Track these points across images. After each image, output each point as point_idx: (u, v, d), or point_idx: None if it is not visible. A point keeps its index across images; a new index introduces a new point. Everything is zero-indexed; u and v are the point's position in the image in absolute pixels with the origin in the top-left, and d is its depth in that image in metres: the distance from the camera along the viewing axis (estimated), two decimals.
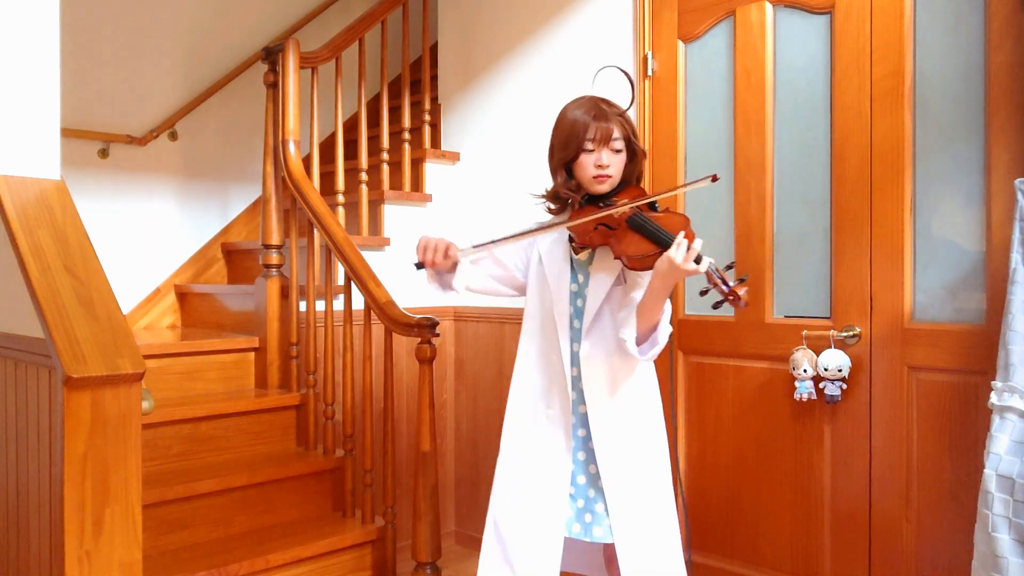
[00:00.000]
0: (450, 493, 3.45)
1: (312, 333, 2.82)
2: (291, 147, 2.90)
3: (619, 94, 2.04)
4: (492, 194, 3.34)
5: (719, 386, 2.63)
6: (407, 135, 3.42)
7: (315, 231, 2.84)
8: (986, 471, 1.80)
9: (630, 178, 1.93)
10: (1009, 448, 1.79)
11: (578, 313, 1.92)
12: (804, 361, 2.34)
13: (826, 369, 2.30)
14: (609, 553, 1.95)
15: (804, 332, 2.39)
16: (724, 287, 1.72)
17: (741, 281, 1.73)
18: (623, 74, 2.07)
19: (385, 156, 3.35)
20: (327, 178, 3.58)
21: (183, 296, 3.62)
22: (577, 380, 1.91)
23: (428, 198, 3.45)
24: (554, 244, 1.96)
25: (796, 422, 2.45)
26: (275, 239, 2.97)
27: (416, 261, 1.88)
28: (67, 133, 3.21)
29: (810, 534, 2.43)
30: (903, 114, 2.24)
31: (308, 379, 2.86)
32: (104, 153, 3.48)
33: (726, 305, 2.61)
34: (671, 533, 1.92)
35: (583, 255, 1.92)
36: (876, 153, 2.29)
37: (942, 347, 2.17)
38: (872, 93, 2.29)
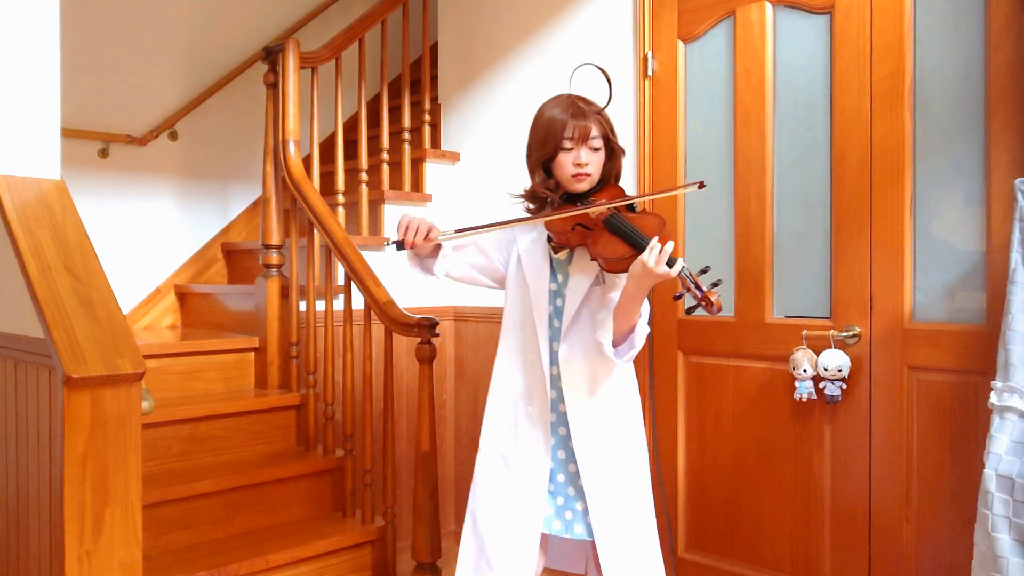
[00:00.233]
0: (450, 493, 3.45)
1: (312, 333, 2.82)
2: (291, 147, 2.90)
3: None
4: (492, 194, 3.34)
5: (719, 386, 2.63)
6: (407, 135, 3.42)
7: (315, 231, 2.84)
8: (986, 471, 1.80)
9: (608, 176, 1.93)
10: (1009, 448, 1.79)
11: (557, 312, 1.92)
12: (804, 361, 2.34)
13: (826, 369, 2.30)
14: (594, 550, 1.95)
15: (804, 332, 2.39)
16: (697, 292, 1.70)
17: (715, 285, 1.71)
18: (601, 72, 2.06)
19: (385, 156, 3.35)
20: (327, 178, 3.58)
21: (183, 296, 3.62)
22: (557, 379, 1.91)
23: (428, 198, 3.45)
24: (533, 244, 1.96)
25: (796, 422, 2.45)
26: (275, 239, 2.97)
27: (396, 239, 1.87)
28: (67, 133, 3.21)
29: (810, 534, 2.43)
30: (903, 114, 2.24)
31: (308, 379, 2.86)
32: (104, 153, 3.48)
33: (724, 304, 2.62)
34: (650, 531, 1.93)
35: (562, 254, 1.92)
36: (876, 153, 2.29)
37: (942, 347, 2.17)
38: (872, 93, 2.29)
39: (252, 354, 3.01)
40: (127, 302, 3.49)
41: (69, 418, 1.56)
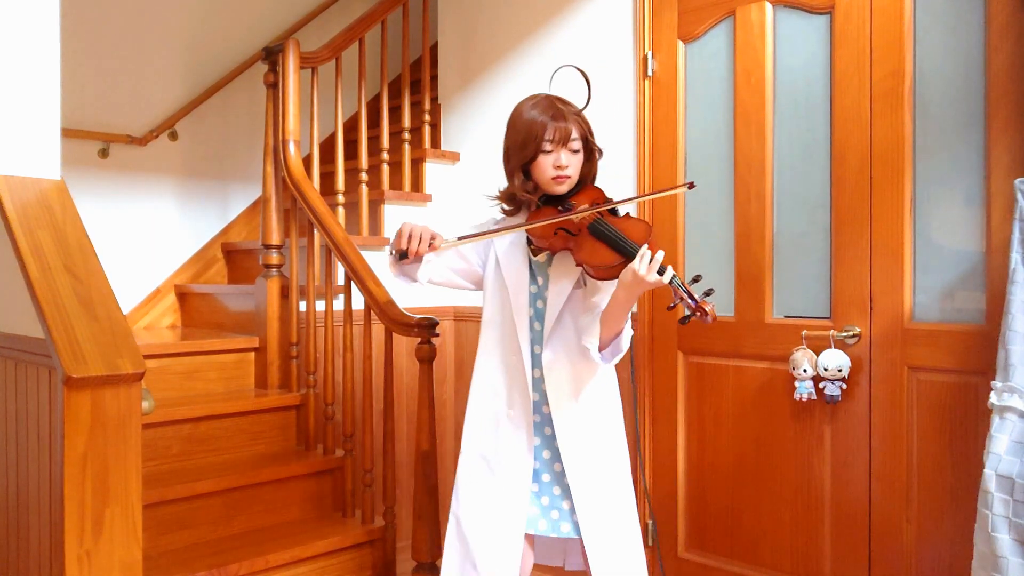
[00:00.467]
0: (450, 493, 3.44)
1: (312, 333, 2.82)
2: (291, 147, 2.90)
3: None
4: (492, 194, 3.33)
5: (719, 386, 2.63)
6: (407, 135, 3.42)
7: (315, 231, 2.84)
8: (986, 471, 1.80)
9: (587, 177, 1.92)
10: (1009, 448, 1.79)
11: (538, 315, 1.91)
12: (804, 361, 2.34)
13: (826, 369, 2.30)
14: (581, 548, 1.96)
15: (804, 332, 2.39)
16: (691, 301, 1.68)
17: (707, 294, 1.70)
18: (580, 74, 2.04)
19: (385, 156, 3.35)
20: (327, 178, 3.58)
21: (183, 296, 3.62)
22: (540, 381, 1.90)
23: (428, 198, 3.45)
24: (512, 246, 1.94)
25: (796, 422, 2.45)
26: (275, 239, 2.97)
27: (399, 248, 1.83)
28: (67, 133, 3.20)
29: (810, 534, 2.43)
30: (903, 114, 2.24)
31: (308, 379, 2.86)
32: (104, 153, 3.48)
33: (724, 304, 2.62)
34: (634, 527, 1.94)
35: (541, 257, 1.91)
36: (876, 153, 2.29)
37: (942, 347, 2.17)
38: (872, 93, 2.29)
39: (252, 354, 3.01)
40: (127, 302, 3.49)
41: (69, 418, 1.56)
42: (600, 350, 1.80)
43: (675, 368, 2.73)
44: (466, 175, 3.47)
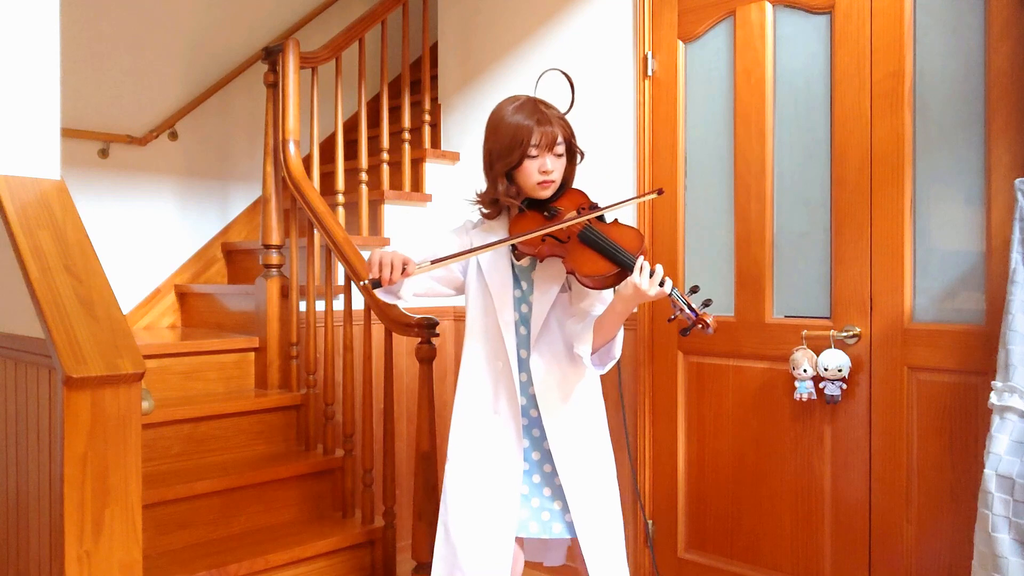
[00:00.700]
0: None
1: (312, 333, 2.82)
2: (291, 147, 2.90)
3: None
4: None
5: (719, 386, 2.63)
6: (407, 135, 3.42)
7: (315, 231, 2.84)
8: (986, 471, 1.80)
9: (569, 180, 1.91)
10: (1009, 448, 1.79)
11: (523, 319, 1.90)
12: (804, 361, 2.34)
13: (826, 369, 2.30)
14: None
15: (804, 332, 2.39)
16: (691, 313, 1.68)
17: (706, 305, 1.69)
18: (564, 77, 2.02)
19: (385, 156, 3.35)
20: (327, 178, 3.58)
21: (183, 296, 3.62)
22: (527, 385, 1.90)
23: (428, 198, 3.45)
24: (494, 251, 1.92)
25: (796, 422, 2.45)
26: (275, 239, 2.97)
27: (370, 278, 1.76)
28: (67, 133, 3.21)
29: (810, 534, 2.43)
30: (903, 115, 2.24)
31: (308, 379, 2.86)
32: (104, 153, 3.48)
33: (724, 304, 2.62)
34: (619, 525, 1.95)
35: (524, 261, 1.90)
36: (876, 153, 2.29)
37: (942, 347, 2.17)
38: (872, 93, 2.29)
39: (252, 354, 3.01)
40: (127, 302, 3.49)
41: (69, 418, 1.56)
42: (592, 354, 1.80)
43: (675, 368, 2.73)
44: (466, 175, 3.48)
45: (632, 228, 1.80)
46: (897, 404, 2.25)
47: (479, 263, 1.94)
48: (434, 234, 2.09)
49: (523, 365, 1.90)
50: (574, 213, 1.82)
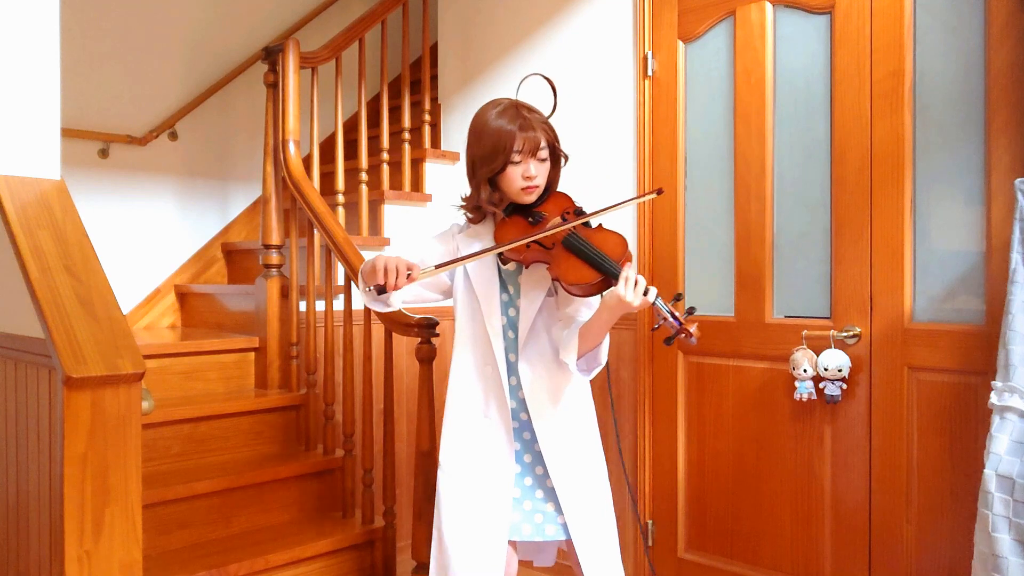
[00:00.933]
0: None
1: (312, 333, 2.82)
2: (291, 147, 2.90)
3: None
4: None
5: (719, 386, 2.63)
6: (407, 135, 3.42)
7: (315, 231, 2.84)
8: (986, 471, 1.80)
9: (552, 183, 1.90)
10: (1009, 448, 1.79)
11: (511, 324, 1.90)
12: (804, 361, 2.34)
13: (826, 369, 2.30)
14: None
15: (804, 332, 2.39)
16: (675, 322, 1.67)
17: (690, 313, 1.69)
18: (547, 82, 2.00)
19: (385, 156, 3.35)
20: (327, 178, 3.58)
21: (183, 296, 3.62)
22: (516, 389, 1.90)
23: (428, 198, 3.45)
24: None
25: (796, 422, 2.45)
26: (275, 239, 2.97)
27: (377, 284, 1.75)
28: (67, 133, 3.21)
29: (810, 534, 2.43)
30: (903, 114, 2.24)
31: (308, 379, 2.86)
32: (104, 153, 3.48)
33: (724, 304, 2.62)
34: (612, 525, 1.95)
35: (511, 266, 1.89)
36: (876, 153, 2.29)
37: (942, 347, 2.17)
38: (872, 93, 2.29)
39: (252, 354, 3.01)
40: (127, 302, 3.49)
41: (69, 418, 1.56)
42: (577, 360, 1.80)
43: (675, 368, 2.73)
44: (466, 175, 3.47)
45: (615, 234, 1.79)
46: (897, 404, 2.25)
47: (466, 268, 1.93)
48: (421, 240, 2.08)
49: (512, 369, 1.90)
50: (558, 219, 1.81)
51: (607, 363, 1.87)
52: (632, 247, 2.84)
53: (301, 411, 2.88)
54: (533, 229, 1.81)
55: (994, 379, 1.87)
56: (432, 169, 3.48)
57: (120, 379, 1.62)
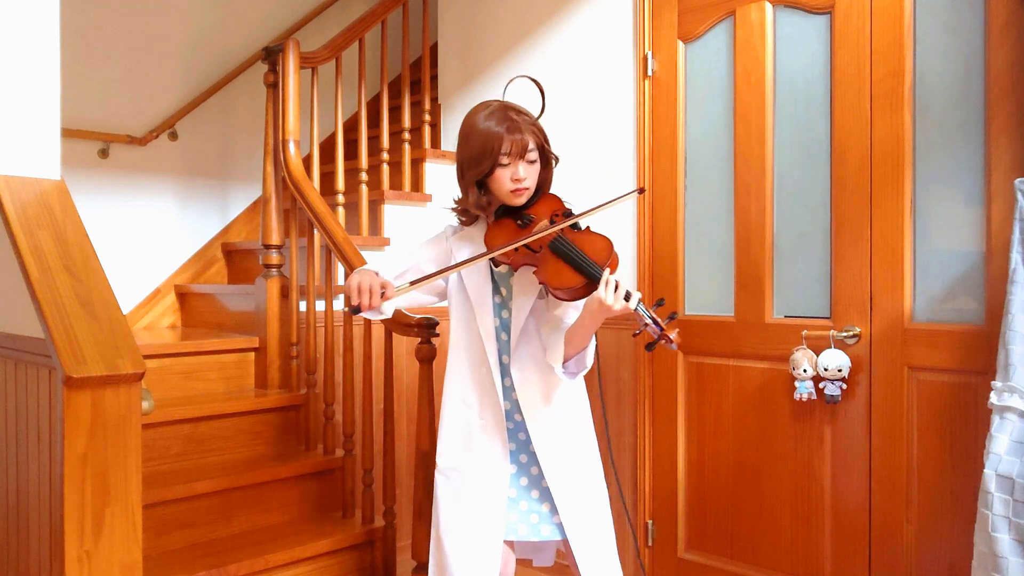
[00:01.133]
0: None
1: (312, 333, 2.82)
2: (291, 147, 2.90)
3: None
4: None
5: (719, 386, 2.63)
6: (407, 135, 3.42)
7: (315, 231, 2.84)
8: (986, 471, 1.80)
9: (544, 184, 1.89)
10: (1009, 448, 1.79)
11: (504, 325, 1.90)
12: (804, 361, 2.34)
13: (826, 369, 2.30)
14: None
15: (804, 332, 2.39)
16: (656, 328, 1.67)
17: (671, 319, 1.69)
18: (534, 84, 1.99)
19: (385, 156, 3.35)
20: (327, 178, 3.58)
21: (183, 296, 3.62)
22: (510, 390, 1.90)
23: (428, 198, 3.45)
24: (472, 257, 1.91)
25: (796, 422, 2.45)
26: (275, 239, 2.97)
27: (352, 305, 1.75)
28: (67, 133, 3.21)
29: (810, 534, 2.43)
30: (903, 114, 2.24)
31: (308, 379, 2.86)
32: (104, 153, 3.48)
33: (724, 304, 2.63)
34: (610, 526, 1.95)
35: (503, 268, 1.89)
36: (876, 153, 2.29)
37: (942, 347, 2.17)
38: (872, 93, 2.29)
39: (252, 354, 3.01)
40: (127, 302, 3.49)
41: (69, 418, 1.56)
42: (563, 364, 1.80)
43: (675, 368, 2.73)
44: (456, 178, 3.47)
45: (602, 237, 1.78)
46: (897, 404, 2.25)
47: (460, 271, 1.94)
48: (415, 243, 2.08)
49: (505, 370, 1.90)
50: (546, 222, 1.81)
51: (598, 363, 1.87)
52: (632, 247, 2.84)
53: (301, 411, 2.88)
54: (521, 232, 1.81)
55: (994, 379, 1.87)
56: (432, 169, 3.48)
57: (120, 379, 1.62)
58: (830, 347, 2.33)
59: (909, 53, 2.23)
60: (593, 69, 2.98)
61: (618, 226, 2.87)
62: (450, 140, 3.58)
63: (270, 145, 3.02)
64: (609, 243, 1.77)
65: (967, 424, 2.13)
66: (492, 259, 1.86)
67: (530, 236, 1.76)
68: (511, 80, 2.06)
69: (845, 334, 2.32)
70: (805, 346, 2.38)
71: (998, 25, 2.08)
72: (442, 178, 3.50)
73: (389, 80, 3.79)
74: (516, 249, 1.78)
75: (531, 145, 1.79)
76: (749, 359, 2.56)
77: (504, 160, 1.77)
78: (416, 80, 4.25)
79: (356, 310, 1.75)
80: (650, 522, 2.80)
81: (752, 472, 2.55)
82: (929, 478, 2.20)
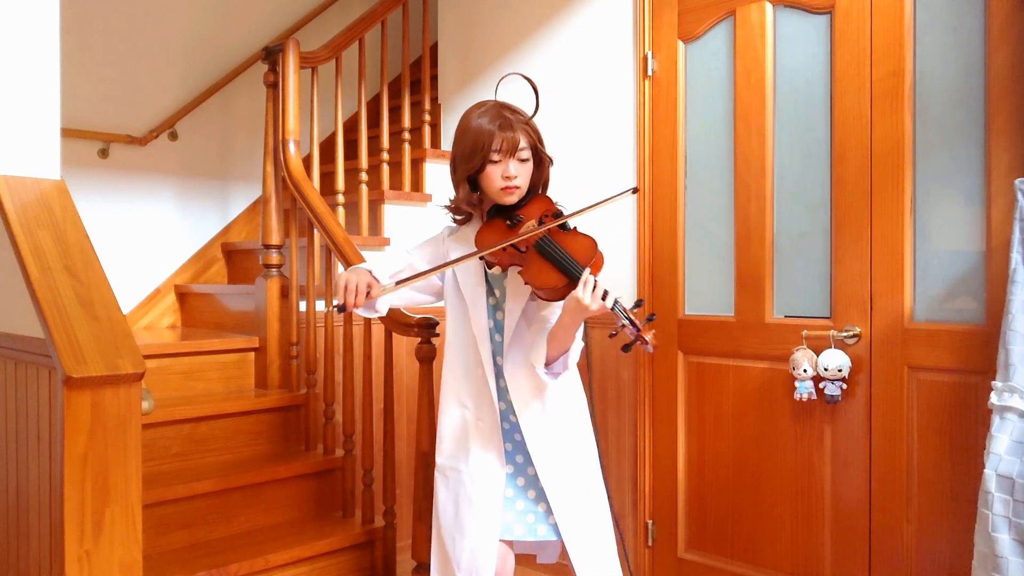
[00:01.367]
0: None
1: (312, 333, 2.82)
2: (291, 147, 2.90)
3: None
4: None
5: (719, 386, 2.63)
6: (407, 135, 3.42)
7: (315, 231, 2.84)
8: (986, 471, 1.80)
9: (537, 185, 1.90)
10: (1009, 448, 1.79)
11: (498, 326, 1.90)
12: (804, 361, 2.34)
13: (826, 369, 2.30)
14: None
15: (804, 332, 2.39)
16: (633, 329, 1.67)
17: (649, 320, 1.68)
18: (527, 82, 2.00)
19: (385, 156, 3.35)
20: (327, 178, 3.58)
21: (183, 296, 3.62)
22: (504, 391, 1.90)
23: (428, 198, 3.45)
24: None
25: (796, 422, 2.45)
26: (275, 239, 2.97)
27: (337, 304, 1.77)
28: (67, 133, 3.21)
29: (810, 534, 2.43)
30: (903, 114, 2.24)
31: (308, 379, 2.86)
32: (104, 153, 3.48)
33: (724, 304, 2.63)
34: (608, 526, 1.95)
35: (496, 269, 1.89)
36: (876, 153, 2.29)
37: (942, 347, 2.17)
38: (872, 93, 2.29)
39: (252, 354, 3.01)
40: (127, 302, 3.49)
41: (69, 418, 1.56)
42: (548, 365, 1.80)
43: (675, 368, 2.73)
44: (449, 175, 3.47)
45: (587, 237, 1.78)
46: (897, 404, 2.25)
47: (454, 271, 1.94)
48: (412, 243, 2.09)
49: (500, 372, 1.90)
50: (533, 222, 1.81)
51: (588, 363, 1.88)
52: (632, 247, 2.84)
53: (301, 411, 2.88)
54: (510, 233, 1.82)
55: (994, 379, 1.87)
56: (432, 169, 3.48)
57: (120, 379, 1.62)
58: (830, 347, 2.33)
59: (909, 53, 2.23)
60: (593, 69, 2.98)
61: (618, 226, 2.87)
62: (450, 140, 3.58)
63: (270, 145, 3.02)
64: (593, 243, 1.77)
65: (967, 424, 2.13)
66: (486, 261, 1.86)
67: (516, 237, 1.77)
68: (503, 77, 2.07)
69: (845, 334, 2.32)
70: (805, 346, 2.38)
71: (998, 25, 2.08)
72: (442, 178, 3.50)
73: (389, 80, 3.79)
74: (504, 249, 1.78)
75: (523, 144, 1.80)
76: (749, 359, 2.56)
77: (495, 157, 1.78)
78: (416, 80, 4.25)
79: (341, 308, 1.77)
80: (650, 522, 2.80)
81: (752, 472, 2.55)
82: (929, 478, 2.20)
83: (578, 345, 1.82)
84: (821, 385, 2.34)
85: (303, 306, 2.95)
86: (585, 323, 1.88)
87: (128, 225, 3.54)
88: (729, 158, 2.61)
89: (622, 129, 2.88)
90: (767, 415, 2.51)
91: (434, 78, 3.68)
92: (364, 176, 3.25)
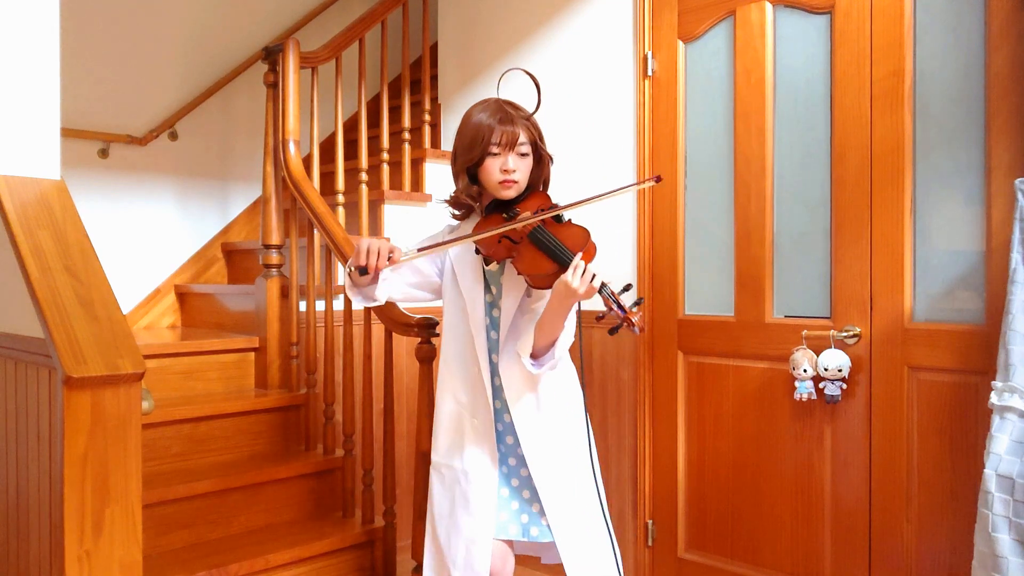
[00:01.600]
0: None
1: (312, 333, 2.82)
2: (291, 147, 2.90)
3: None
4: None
5: (719, 386, 2.63)
6: (407, 135, 3.42)
7: (315, 231, 2.84)
8: (986, 471, 1.80)
9: (536, 183, 1.90)
10: (1009, 448, 1.79)
11: (494, 324, 1.90)
12: (804, 361, 2.34)
13: (826, 369, 2.30)
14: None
15: (804, 332, 2.39)
16: (619, 311, 1.68)
17: (637, 304, 1.69)
18: (529, 77, 2.00)
19: (385, 156, 3.35)
20: (327, 178, 3.58)
21: (183, 296, 3.62)
22: (500, 390, 1.90)
23: (428, 198, 3.45)
24: (464, 255, 1.92)
25: (796, 422, 2.45)
26: (275, 239, 2.97)
27: (359, 264, 1.76)
28: (67, 133, 3.21)
29: (810, 534, 2.43)
30: (903, 114, 2.24)
31: (308, 379, 2.86)
32: (104, 153, 3.48)
33: (724, 304, 2.63)
34: (603, 528, 1.94)
35: (493, 266, 1.89)
36: (876, 153, 2.29)
37: (942, 347, 2.17)
38: (872, 93, 2.29)
39: (252, 354, 3.01)
40: (127, 302, 3.49)
41: (69, 418, 1.56)
42: (535, 357, 1.79)
43: (675, 368, 2.73)
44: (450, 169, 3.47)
45: (580, 227, 1.79)
46: (897, 404, 2.25)
47: (453, 269, 1.94)
48: (411, 244, 2.10)
49: (496, 370, 1.90)
50: (529, 214, 1.81)
51: (581, 361, 1.88)
52: (632, 247, 2.84)
53: (301, 411, 2.88)
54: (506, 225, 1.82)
55: (994, 379, 1.87)
56: (432, 169, 3.48)
57: (120, 379, 1.62)
58: (830, 347, 2.33)
59: (909, 53, 2.23)
60: (593, 69, 2.98)
61: (618, 226, 2.87)
62: (450, 140, 3.58)
63: (270, 145, 3.02)
64: (586, 232, 1.77)
65: (967, 424, 2.13)
66: (483, 256, 1.87)
67: (512, 224, 1.77)
68: (505, 72, 2.08)
69: (845, 334, 2.32)
70: (805, 346, 2.38)
71: (998, 25, 2.08)
72: (442, 178, 3.50)
73: (389, 80, 3.79)
74: (499, 241, 1.79)
75: (522, 138, 1.82)
76: (749, 359, 2.56)
77: (494, 150, 1.80)
78: (416, 80, 4.25)
79: (364, 271, 1.76)
80: (650, 522, 2.80)
81: (752, 472, 2.55)
82: (929, 478, 2.20)
83: (567, 337, 1.81)
84: (821, 385, 2.34)
85: (303, 306, 2.95)
86: (581, 324, 1.88)
87: (128, 225, 3.54)
88: (729, 158, 2.61)
89: (622, 129, 2.88)
90: (767, 415, 2.51)
91: (434, 78, 3.68)
92: (364, 176, 3.25)
